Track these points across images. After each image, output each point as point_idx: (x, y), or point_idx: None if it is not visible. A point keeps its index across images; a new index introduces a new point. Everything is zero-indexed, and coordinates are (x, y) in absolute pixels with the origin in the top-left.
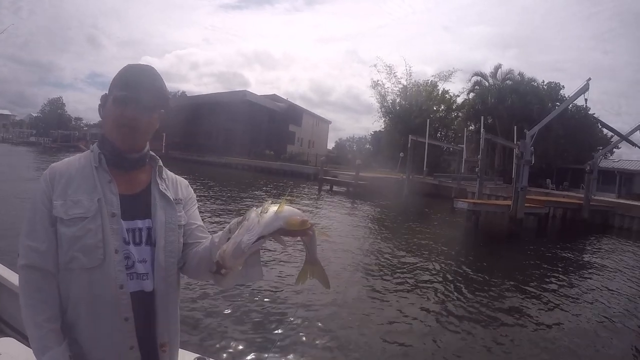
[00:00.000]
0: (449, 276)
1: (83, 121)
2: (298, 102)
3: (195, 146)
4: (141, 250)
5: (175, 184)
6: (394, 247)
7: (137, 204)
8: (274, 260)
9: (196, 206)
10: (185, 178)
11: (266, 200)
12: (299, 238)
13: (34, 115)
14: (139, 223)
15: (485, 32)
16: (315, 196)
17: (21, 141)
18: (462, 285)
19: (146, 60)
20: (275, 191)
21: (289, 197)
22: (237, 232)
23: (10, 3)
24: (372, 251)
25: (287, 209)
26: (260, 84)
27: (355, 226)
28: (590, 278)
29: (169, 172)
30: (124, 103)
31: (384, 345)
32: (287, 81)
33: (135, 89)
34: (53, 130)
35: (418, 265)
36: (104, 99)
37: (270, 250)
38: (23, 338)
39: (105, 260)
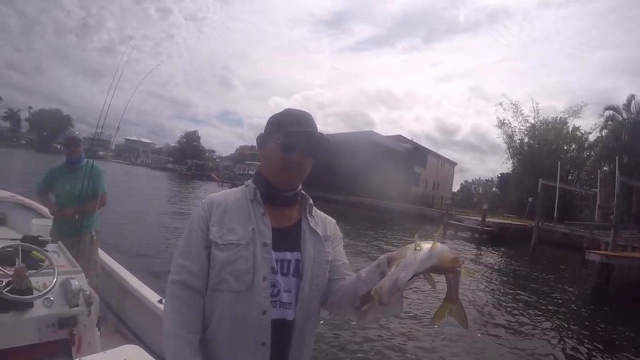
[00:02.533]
0: (568, 336)
1: (216, 153)
2: (423, 143)
3: (322, 184)
4: (288, 280)
5: (325, 222)
6: (515, 299)
7: (288, 237)
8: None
9: (342, 244)
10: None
11: (417, 238)
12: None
13: (172, 145)
14: (289, 255)
15: (611, 57)
16: (440, 240)
17: (159, 166)
18: (580, 348)
19: (274, 100)
20: (401, 234)
21: (438, 235)
22: (393, 268)
23: (151, 48)
24: (493, 301)
25: (440, 246)
26: (384, 123)
27: (479, 274)
28: None
29: (318, 210)
30: (291, 149)
31: None
32: (411, 120)
33: (302, 134)
34: (188, 160)
35: (538, 321)
36: (262, 138)
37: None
38: (143, 344)
39: (253, 285)
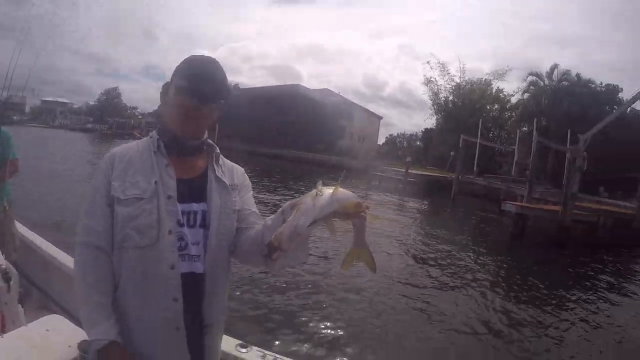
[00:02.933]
0: (486, 278)
1: (138, 110)
2: (350, 97)
3: (247, 138)
4: (195, 232)
5: (232, 171)
6: (437, 245)
7: (193, 188)
8: (320, 246)
9: (251, 193)
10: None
11: (319, 184)
12: (349, 222)
13: (91, 103)
14: (194, 206)
15: (542, 28)
16: (363, 191)
17: (78, 127)
18: (498, 289)
19: (200, 52)
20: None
21: (340, 182)
22: (293, 215)
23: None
24: (414, 248)
25: (342, 191)
26: (312, 77)
27: (401, 222)
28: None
29: (225, 159)
30: (187, 93)
31: (417, 338)
32: (339, 75)
33: (198, 79)
34: (109, 118)
35: (458, 264)
36: (166, 87)
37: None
38: (71, 317)
39: (158, 240)
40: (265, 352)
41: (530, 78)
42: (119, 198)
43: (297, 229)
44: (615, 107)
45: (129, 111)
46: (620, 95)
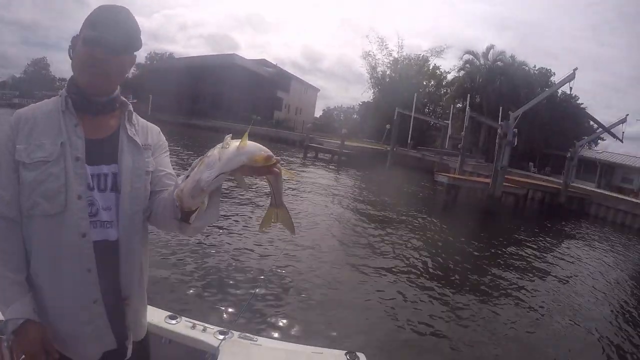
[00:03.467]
0: (418, 246)
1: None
2: (288, 69)
3: (182, 109)
4: (106, 197)
5: (146, 130)
6: (371, 214)
7: (104, 149)
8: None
9: (167, 154)
10: (171, 140)
11: (227, 137)
12: (263, 178)
13: (17, 76)
14: (105, 168)
15: (484, 10)
16: (300, 162)
17: (4, 103)
18: (429, 255)
19: (132, 19)
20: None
21: (246, 135)
22: (196, 168)
23: None
24: (349, 217)
25: (251, 144)
26: (250, 48)
27: (336, 192)
28: (556, 264)
29: (140, 118)
30: (93, 43)
31: (344, 306)
32: (278, 46)
33: (106, 29)
34: (37, 92)
35: (391, 232)
36: (74, 40)
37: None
38: None
39: (67, 206)
40: (195, 322)
41: (466, 56)
42: (24, 162)
43: (200, 183)
44: (546, 89)
45: (58, 83)
46: (552, 79)
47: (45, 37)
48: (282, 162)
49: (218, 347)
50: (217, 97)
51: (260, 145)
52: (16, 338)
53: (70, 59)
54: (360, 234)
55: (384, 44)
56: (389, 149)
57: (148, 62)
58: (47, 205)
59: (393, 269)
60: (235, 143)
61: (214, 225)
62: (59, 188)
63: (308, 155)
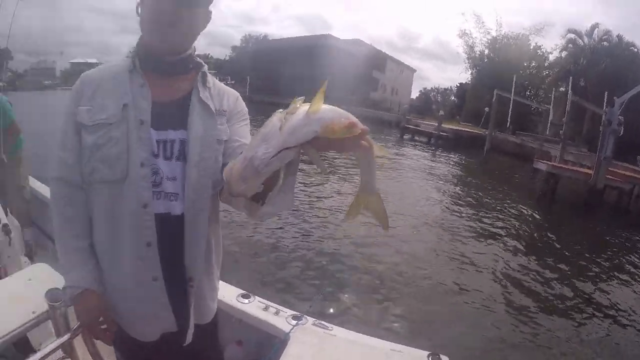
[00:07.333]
0: (513, 238)
1: None
2: (383, 48)
3: (278, 91)
4: (171, 165)
5: (222, 94)
6: (466, 202)
7: (173, 112)
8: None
9: (246, 123)
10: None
11: (298, 100)
12: (349, 155)
13: None
14: (172, 134)
15: None
16: (396, 143)
17: None
18: (523, 250)
19: (226, 2)
20: None
21: (321, 94)
22: (250, 142)
23: None
24: (443, 204)
25: (326, 107)
26: (344, 28)
27: (432, 177)
28: None
29: (217, 81)
30: None
31: (435, 302)
32: (371, 25)
33: None
34: None
35: (486, 222)
36: None
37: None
38: None
39: (128, 173)
40: (269, 303)
41: (569, 35)
42: (85, 124)
43: (253, 162)
44: None
45: None
46: None
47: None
48: (377, 141)
49: (289, 332)
50: (312, 78)
51: (340, 110)
52: (73, 307)
53: (138, 16)
54: (453, 227)
55: (481, 21)
56: (487, 132)
57: (243, 45)
58: (107, 172)
59: (484, 267)
60: (305, 107)
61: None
62: (119, 153)
63: (404, 137)
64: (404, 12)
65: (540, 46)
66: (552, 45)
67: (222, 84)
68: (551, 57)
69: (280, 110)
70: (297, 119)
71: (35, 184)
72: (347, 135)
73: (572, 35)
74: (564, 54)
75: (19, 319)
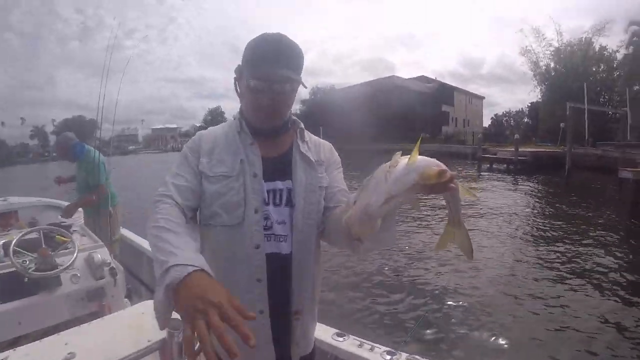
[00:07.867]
0: (603, 262)
1: None
2: (448, 80)
3: (350, 137)
4: (280, 211)
5: (318, 146)
6: (550, 227)
7: (278, 166)
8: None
9: (340, 170)
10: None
11: (397, 155)
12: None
13: (198, 125)
14: (279, 184)
15: None
16: (474, 176)
17: None
18: (615, 278)
19: None
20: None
21: (417, 149)
22: (362, 193)
23: (157, 35)
24: (526, 233)
25: (421, 158)
26: (406, 66)
27: (515, 207)
28: None
29: (312, 135)
30: (258, 92)
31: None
32: (433, 60)
33: (269, 68)
34: None
35: (571, 248)
36: (239, 71)
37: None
38: None
39: (244, 219)
40: (363, 340)
41: (632, 28)
42: (207, 174)
43: (368, 209)
44: None
45: None
46: None
47: (212, 89)
48: (459, 178)
49: None
50: (383, 121)
51: (432, 159)
52: (180, 293)
53: (236, 89)
54: (543, 259)
55: (541, 34)
56: (565, 150)
57: (312, 97)
58: (226, 217)
59: (581, 303)
60: (404, 160)
61: None
62: (238, 202)
63: (482, 167)
64: (462, 40)
65: (605, 46)
66: (617, 43)
67: (316, 137)
68: (618, 56)
69: (383, 165)
70: (399, 171)
71: (129, 234)
72: (440, 181)
73: (635, 27)
74: (630, 49)
75: (134, 346)
